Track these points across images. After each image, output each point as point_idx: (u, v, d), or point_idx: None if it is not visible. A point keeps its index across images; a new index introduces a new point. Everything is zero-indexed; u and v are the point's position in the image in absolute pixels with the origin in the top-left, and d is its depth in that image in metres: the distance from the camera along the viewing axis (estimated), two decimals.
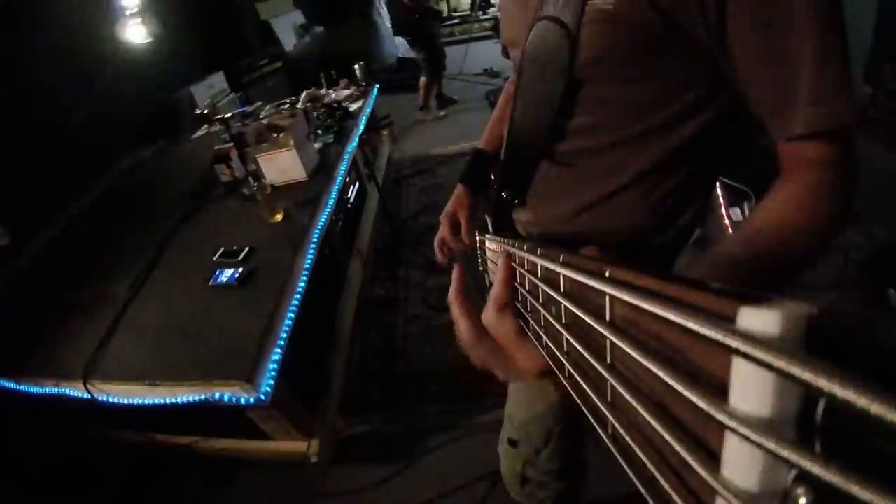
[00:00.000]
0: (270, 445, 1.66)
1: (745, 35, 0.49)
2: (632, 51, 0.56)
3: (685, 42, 0.53)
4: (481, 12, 7.20)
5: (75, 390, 1.38)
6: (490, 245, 0.69)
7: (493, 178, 0.95)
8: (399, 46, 5.98)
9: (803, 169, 0.51)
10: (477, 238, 0.95)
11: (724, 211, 0.97)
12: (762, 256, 0.47)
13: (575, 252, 0.22)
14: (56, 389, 1.42)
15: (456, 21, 7.41)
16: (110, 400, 1.37)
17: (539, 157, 0.73)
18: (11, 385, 1.47)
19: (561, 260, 0.22)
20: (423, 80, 4.43)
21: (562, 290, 0.21)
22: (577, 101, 0.64)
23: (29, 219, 2.21)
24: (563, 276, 0.20)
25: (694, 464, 0.12)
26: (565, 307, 0.20)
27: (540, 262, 0.26)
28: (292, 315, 1.50)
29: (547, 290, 0.23)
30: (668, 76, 0.58)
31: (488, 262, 0.77)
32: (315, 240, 1.78)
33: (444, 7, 7.56)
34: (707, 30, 0.51)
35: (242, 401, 1.29)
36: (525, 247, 0.35)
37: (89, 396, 1.35)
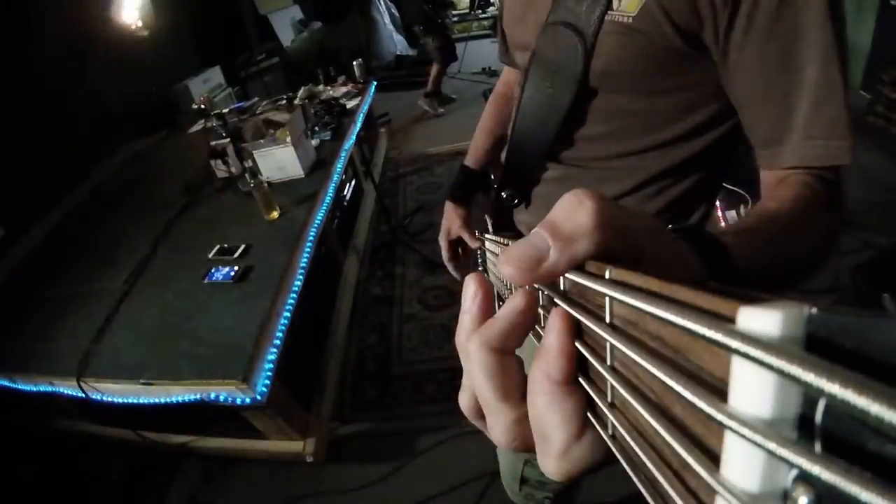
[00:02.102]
0: (265, 445, 1.66)
1: (748, 64, 0.49)
2: (649, 65, 0.55)
3: (702, 61, 0.53)
4: (480, 11, 7.19)
5: (69, 388, 1.37)
6: (490, 245, 0.69)
7: (493, 178, 0.95)
8: (398, 44, 5.97)
9: (790, 180, 0.50)
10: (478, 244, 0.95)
11: (720, 214, 0.98)
12: (770, 241, 0.44)
13: None
14: (50, 387, 1.41)
15: (455, 19, 7.40)
16: (104, 399, 1.36)
17: (543, 160, 0.73)
18: (5, 382, 1.46)
19: None
20: (436, 67, 4.44)
21: (561, 289, 0.21)
22: (587, 109, 0.64)
23: (23, 212, 2.19)
24: (563, 276, 0.21)
25: (694, 464, 0.12)
26: (565, 308, 0.20)
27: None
28: (288, 314, 1.49)
29: (546, 291, 0.23)
30: (684, 92, 0.58)
31: (488, 263, 0.77)
32: (312, 237, 1.78)
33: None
34: (717, 51, 0.51)
35: (238, 400, 1.29)
36: None
37: (83, 395, 1.35)
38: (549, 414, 0.21)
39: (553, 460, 0.21)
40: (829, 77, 0.46)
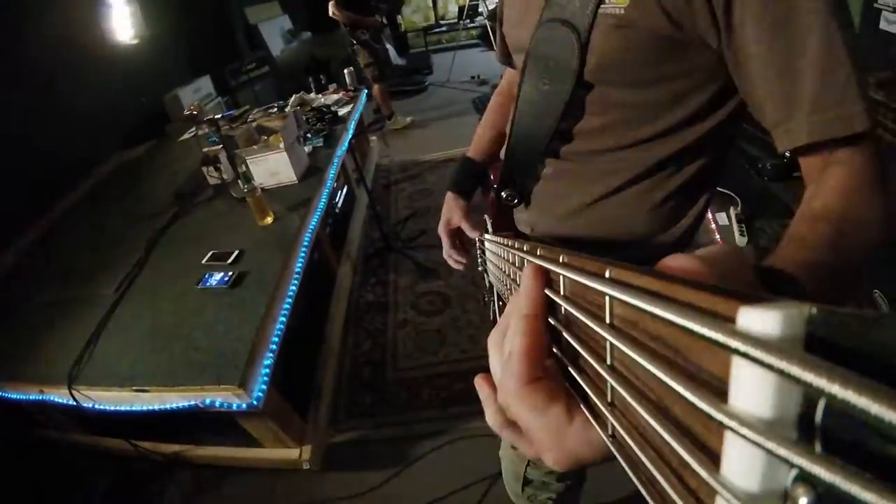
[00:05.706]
0: (261, 453, 1.64)
1: (749, 43, 0.48)
2: (643, 55, 0.56)
3: (696, 47, 0.53)
4: (469, 20, 7.23)
5: (59, 397, 1.35)
6: (490, 245, 0.69)
7: (492, 178, 0.95)
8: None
9: (829, 169, 0.47)
10: (476, 238, 0.95)
11: (710, 216, 0.98)
12: (834, 254, 0.41)
13: (577, 251, 0.22)
14: (40, 396, 1.39)
15: (443, 29, 7.44)
16: (96, 407, 1.34)
17: (541, 158, 0.73)
18: None
19: (561, 261, 0.22)
20: (374, 88, 4.26)
21: (562, 291, 0.21)
22: (584, 103, 0.64)
23: (13, 219, 2.17)
24: (563, 276, 0.21)
25: (694, 464, 0.13)
26: (565, 308, 0.20)
27: (540, 263, 0.26)
28: (284, 319, 1.48)
29: (548, 293, 0.23)
30: (679, 80, 0.58)
31: (488, 263, 0.77)
32: (306, 243, 1.77)
33: (430, 15, 7.59)
34: (715, 36, 0.51)
35: (234, 406, 1.28)
36: (525, 247, 0.35)
37: (74, 403, 1.33)
38: (520, 413, 0.25)
39: (544, 454, 0.25)
40: (831, 43, 0.44)
